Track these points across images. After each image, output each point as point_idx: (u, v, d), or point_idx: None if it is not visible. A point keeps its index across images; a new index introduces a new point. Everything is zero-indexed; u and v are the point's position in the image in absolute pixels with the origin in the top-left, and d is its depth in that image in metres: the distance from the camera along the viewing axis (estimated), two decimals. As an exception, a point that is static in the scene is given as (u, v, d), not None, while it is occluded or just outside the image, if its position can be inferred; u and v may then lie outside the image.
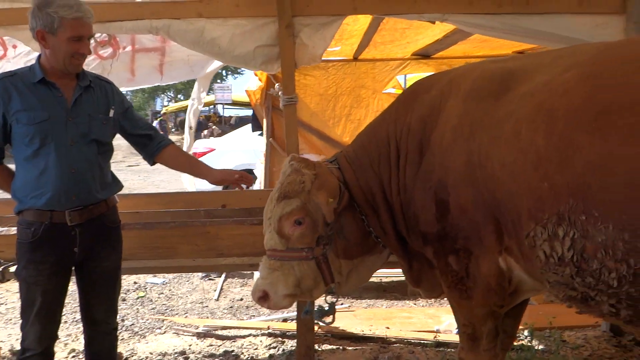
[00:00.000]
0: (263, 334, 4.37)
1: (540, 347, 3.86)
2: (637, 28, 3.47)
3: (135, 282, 6.01)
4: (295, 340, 3.90)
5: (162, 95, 39.58)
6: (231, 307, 5.24)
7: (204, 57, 4.41)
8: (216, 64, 5.18)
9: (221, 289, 5.74)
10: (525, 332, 3.87)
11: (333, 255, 2.61)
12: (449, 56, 6.33)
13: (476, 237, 2.19)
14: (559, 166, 1.78)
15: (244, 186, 3.14)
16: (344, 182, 2.68)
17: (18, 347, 2.93)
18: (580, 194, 1.72)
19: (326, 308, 2.88)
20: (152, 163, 3.02)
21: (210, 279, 6.12)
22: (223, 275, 6.03)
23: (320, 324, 3.01)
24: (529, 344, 3.78)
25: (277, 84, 4.04)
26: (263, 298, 2.56)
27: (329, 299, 2.87)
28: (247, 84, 6.94)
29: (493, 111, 2.13)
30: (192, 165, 3.14)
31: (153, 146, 2.95)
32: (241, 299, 5.45)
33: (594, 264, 1.73)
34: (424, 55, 6.31)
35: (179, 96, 37.58)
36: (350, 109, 6.73)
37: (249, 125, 9.90)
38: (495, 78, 2.23)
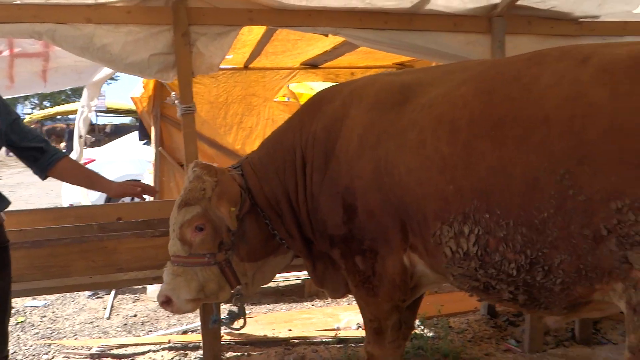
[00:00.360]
0: (164, 349, 4.25)
1: (431, 334, 4.22)
2: (501, 45, 3.97)
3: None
4: (199, 352, 3.87)
5: (25, 102, 35.82)
6: (125, 324, 5.00)
7: (94, 63, 4.19)
8: (107, 71, 4.94)
9: (112, 306, 5.45)
10: (417, 322, 4.20)
11: (237, 259, 2.69)
12: (336, 66, 6.64)
13: (382, 238, 2.38)
14: (464, 171, 2.00)
15: (146, 197, 3.07)
16: (247, 189, 2.75)
17: None
18: (484, 195, 1.94)
19: (236, 311, 2.91)
20: (44, 177, 2.83)
21: (98, 297, 5.77)
22: (112, 292, 5.73)
23: (231, 330, 3.04)
24: (421, 332, 4.11)
25: (173, 93, 3.97)
26: (166, 302, 2.60)
27: (238, 302, 2.91)
28: (131, 91, 6.66)
29: (396, 121, 2.33)
30: (90, 178, 2.99)
31: (45, 159, 2.76)
32: (135, 315, 5.22)
33: (496, 256, 1.96)
34: (312, 65, 6.56)
35: (44, 103, 34.42)
36: (241, 116, 6.76)
37: (134, 134, 9.43)
38: (396, 90, 2.44)
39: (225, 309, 3.11)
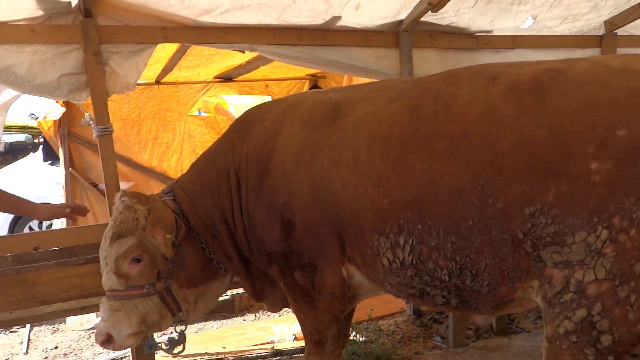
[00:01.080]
0: (92, 380, 4.06)
1: (363, 338, 4.37)
2: (408, 58, 4.22)
3: None
4: (132, 378, 3.74)
5: None
6: (46, 357, 4.69)
7: (-5, 85, 3.91)
8: (12, 93, 4.60)
9: (29, 340, 5.09)
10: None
11: (177, 286, 2.65)
12: (250, 79, 6.67)
13: (321, 252, 2.46)
14: (397, 184, 2.12)
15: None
16: (181, 214, 2.72)
17: None
18: (416, 207, 2.07)
19: (176, 338, 2.87)
20: None
21: (12, 332, 5.36)
22: (28, 326, 5.35)
23: (172, 354, 3.00)
24: (354, 338, 4.25)
25: (87, 114, 3.81)
26: (107, 341, 2.50)
27: (178, 327, 2.87)
28: (27, 107, 6.28)
29: (330, 138, 2.41)
30: (14, 203, 2.83)
31: None
32: (56, 347, 4.91)
33: (429, 264, 2.10)
34: (226, 78, 6.54)
35: None
36: (156, 132, 6.59)
37: (38, 154, 8.83)
38: (327, 108, 2.53)
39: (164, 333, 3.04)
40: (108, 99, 5.75)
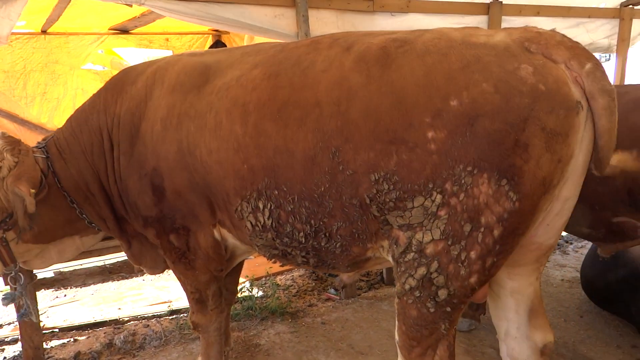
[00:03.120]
0: (-28, 348, 3.90)
1: (260, 293, 4.52)
2: (305, 19, 4.22)
3: None
4: (19, 344, 3.64)
5: None
6: None
7: None
8: None
9: None
10: (247, 284, 4.46)
11: (20, 240, 2.61)
12: (149, 32, 6.35)
13: (192, 215, 2.50)
14: (255, 150, 2.15)
15: None
16: (53, 172, 2.66)
17: None
18: (272, 173, 2.13)
19: (14, 293, 2.85)
20: None
21: None
22: None
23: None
24: (250, 293, 4.38)
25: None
26: None
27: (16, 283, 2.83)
28: None
29: (196, 103, 2.40)
30: None
31: None
32: None
33: (287, 227, 2.19)
34: (122, 30, 6.19)
35: None
36: (45, 86, 6.14)
37: None
38: (196, 72, 2.50)
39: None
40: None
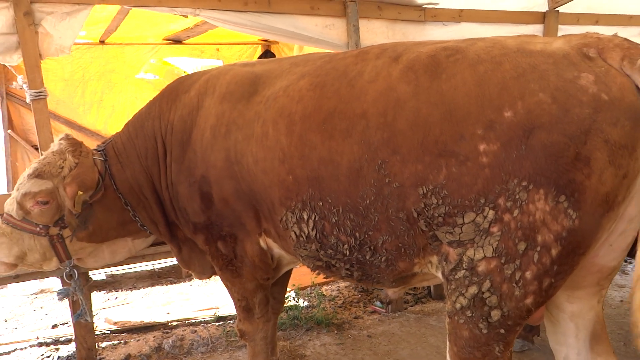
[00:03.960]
0: (32, 345, 4.06)
1: (305, 303, 4.50)
2: (356, 29, 4.22)
3: None
4: (73, 345, 3.77)
5: None
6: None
7: None
8: None
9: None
10: (292, 294, 4.46)
11: (75, 238, 2.70)
12: (201, 42, 6.51)
13: (239, 224, 2.52)
14: (300, 161, 2.14)
15: None
16: (110, 175, 2.76)
17: None
18: (317, 184, 2.10)
19: (70, 289, 2.93)
20: None
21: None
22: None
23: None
24: (296, 303, 4.37)
25: (19, 77, 3.68)
26: None
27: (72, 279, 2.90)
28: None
29: (245, 112, 2.42)
30: None
31: None
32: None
33: (331, 239, 2.16)
34: (175, 40, 6.37)
35: None
36: (101, 94, 6.40)
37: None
38: (246, 82, 2.52)
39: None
40: (48, 57, 5.57)
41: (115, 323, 4.23)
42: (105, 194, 2.72)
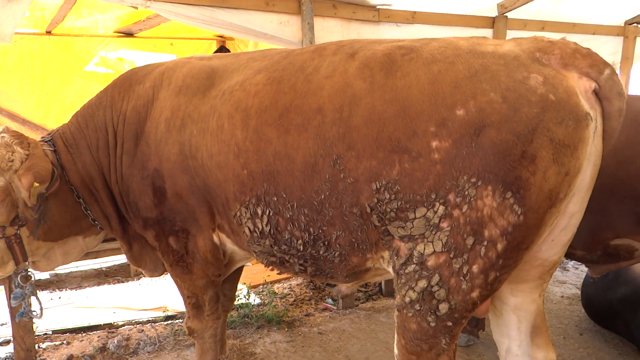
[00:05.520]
0: (-36, 349, 3.85)
1: (257, 301, 4.47)
2: (310, 27, 4.22)
3: None
4: (11, 346, 3.60)
5: None
6: None
7: None
8: None
9: None
10: (244, 291, 4.42)
11: (31, 237, 2.57)
12: (154, 36, 6.34)
13: (192, 219, 2.47)
14: (255, 155, 2.12)
15: None
16: (59, 166, 2.63)
17: None
18: (272, 179, 2.09)
19: (23, 292, 2.78)
20: None
21: None
22: None
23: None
24: (247, 300, 4.33)
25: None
26: None
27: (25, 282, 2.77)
28: None
29: (200, 106, 2.39)
30: None
31: None
32: None
33: (285, 234, 2.15)
34: (127, 33, 6.18)
35: None
36: (48, 87, 6.11)
37: None
38: (202, 75, 2.49)
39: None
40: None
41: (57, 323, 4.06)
42: (59, 186, 2.59)
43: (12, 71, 5.86)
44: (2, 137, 2.49)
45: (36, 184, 2.41)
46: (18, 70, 5.91)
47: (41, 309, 2.82)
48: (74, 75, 6.25)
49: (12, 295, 2.80)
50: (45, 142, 2.69)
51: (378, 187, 1.87)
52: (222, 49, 6.74)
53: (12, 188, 2.44)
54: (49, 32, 5.84)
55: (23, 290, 2.77)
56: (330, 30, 4.36)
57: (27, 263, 2.63)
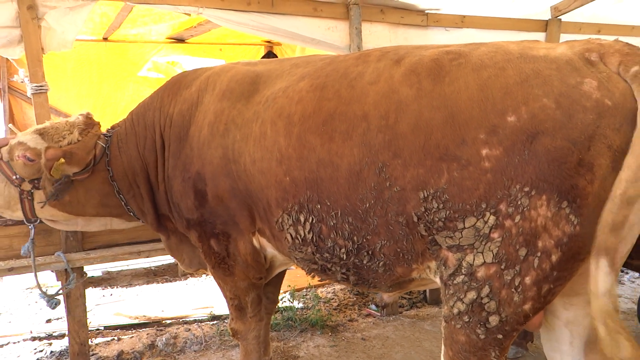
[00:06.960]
0: (25, 340, 4.04)
1: (300, 305, 4.49)
2: (358, 32, 4.22)
3: None
4: (66, 340, 3.75)
5: None
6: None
7: None
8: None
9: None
10: (287, 295, 4.45)
11: (48, 204, 2.72)
12: (204, 42, 6.51)
13: (232, 222, 2.51)
14: (298, 163, 2.12)
15: None
16: (108, 158, 2.78)
17: None
18: (315, 187, 2.09)
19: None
20: None
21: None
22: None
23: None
24: (291, 304, 4.36)
25: (21, 70, 3.68)
26: None
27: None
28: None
29: (244, 111, 2.42)
30: None
31: None
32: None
33: (328, 242, 2.14)
34: (178, 39, 6.37)
35: None
36: (103, 91, 6.38)
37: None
38: (247, 81, 2.52)
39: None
40: (50, 52, 5.57)
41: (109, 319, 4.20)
42: (91, 177, 2.75)
43: (71, 76, 6.14)
44: (77, 117, 2.81)
45: (62, 160, 2.62)
46: (76, 75, 6.20)
47: (57, 301, 3.03)
48: (127, 80, 6.49)
49: (47, 300, 2.99)
50: (106, 137, 2.86)
51: (425, 195, 1.84)
52: (270, 54, 6.84)
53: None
54: (105, 39, 6.09)
55: (28, 247, 2.94)
56: (378, 35, 4.35)
57: (37, 219, 2.80)
